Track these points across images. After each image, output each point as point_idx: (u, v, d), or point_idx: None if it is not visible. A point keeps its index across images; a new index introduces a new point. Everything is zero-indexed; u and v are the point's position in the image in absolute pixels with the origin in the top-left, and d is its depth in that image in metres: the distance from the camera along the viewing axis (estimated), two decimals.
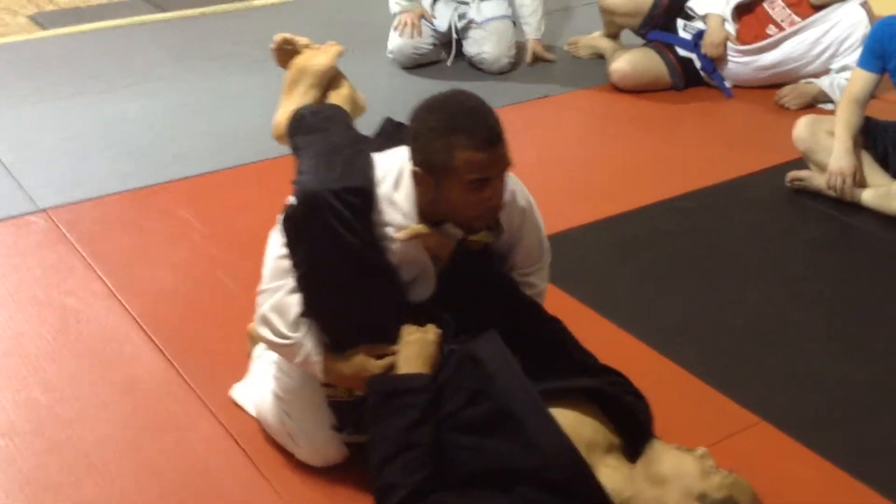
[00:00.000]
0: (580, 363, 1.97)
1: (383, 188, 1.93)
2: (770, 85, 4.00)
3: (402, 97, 4.00)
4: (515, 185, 2.07)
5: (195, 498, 2.00)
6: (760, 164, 3.44)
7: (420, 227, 1.92)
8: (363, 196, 1.89)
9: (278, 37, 2.36)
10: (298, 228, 1.88)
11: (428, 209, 1.93)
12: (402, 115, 3.67)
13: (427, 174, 1.87)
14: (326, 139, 2.04)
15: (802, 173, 3.20)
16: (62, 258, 2.85)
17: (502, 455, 1.73)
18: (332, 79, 2.34)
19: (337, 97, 2.30)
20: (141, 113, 3.78)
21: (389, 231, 1.92)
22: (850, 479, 2.04)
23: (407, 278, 1.97)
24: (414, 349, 1.88)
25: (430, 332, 1.91)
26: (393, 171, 1.96)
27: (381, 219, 1.92)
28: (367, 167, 1.95)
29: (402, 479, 1.74)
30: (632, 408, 1.87)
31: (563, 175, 3.42)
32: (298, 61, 2.30)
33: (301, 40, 2.35)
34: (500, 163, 1.86)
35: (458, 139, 1.82)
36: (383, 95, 3.99)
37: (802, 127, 3.18)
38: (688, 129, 3.81)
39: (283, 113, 2.23)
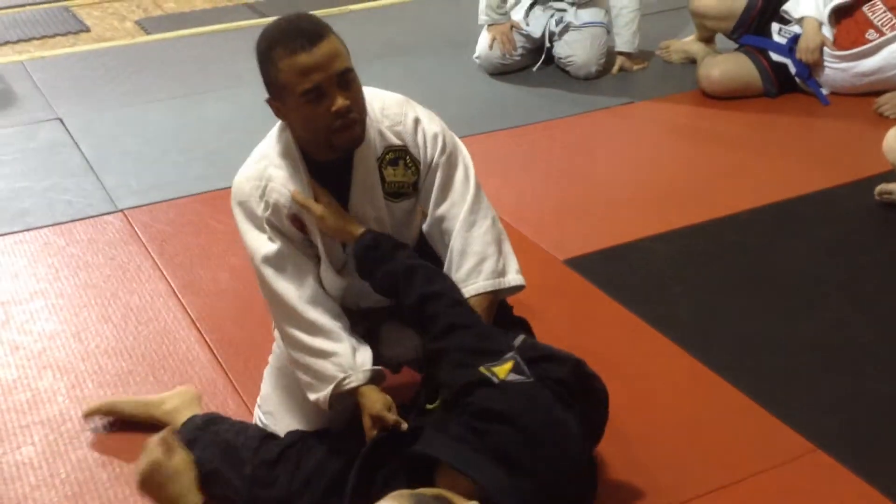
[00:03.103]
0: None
1: (266, 158, 1.96)
2: (869, 92, 3.79)
3: (483, 104, 3.99)
4: (414, 108, 2.02)
5: None
6: (851, 177, 3.26)
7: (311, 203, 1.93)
8: None
9: None
10: None
11: (303, 143, 1.92)
12: (482, 121, 3.74)
13: (276, 101, 1.88)
14: None
15: (892, 186, 3.01)
16: (132, 258, 2.93)
17: None
18: None
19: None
20: (221, 117, 3.87)
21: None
22: None
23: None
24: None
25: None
26: (270, 137, 1.98)
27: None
28: None
29: None
30: None
31: (637, 184, 3.32)
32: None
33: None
34: (328, 65, 1.80)
35: (276, 52, 1.82)
36: (464, 101, 3.99)
37: (893, 137, 3.00)
38: (777, 137, 3.64)
39: None
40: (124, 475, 2.08)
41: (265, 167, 1.95)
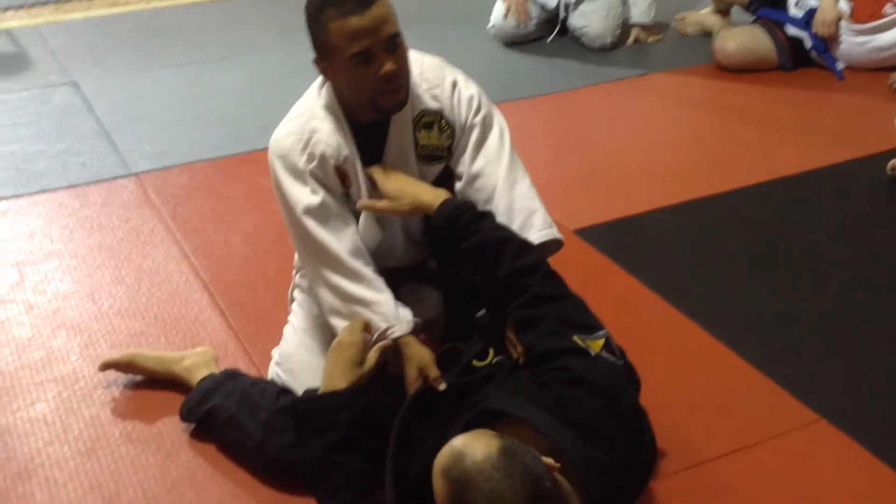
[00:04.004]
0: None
1: (308, 112, 1.98)
2: (886, 67, 3.77)
3: (497, 73, 3.98)
4: (453, 72, 2.04)
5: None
6: (864, 152, 3.25)
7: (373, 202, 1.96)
8: None
9: None
10: None
11: (346, 102, 1.94)
12: (495, 91, 3.72)
13: (323, 62, 1.89)
14: None
15: None
16: (146, 221, 2.95)
17: None
18: None
19: None
20: (235, 84, 3.88)
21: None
22: None
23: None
24: (332, 362, 1.86)
25: (349, 334, 1.88)
26: (310, 94, 2.01)
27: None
28: None
29: (333, 500, 1.74)
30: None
31: (650, 156, 3.32)
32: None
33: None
34: (377, 29, 1.81)
35: (327, 14, 1.82)
36: (479, 71, 3.96)
37: None
38: (791, 111, 3.63)
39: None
40: (136, 432, 2.11)
41: (308, 120, 1.97)
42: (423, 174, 2.03)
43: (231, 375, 2.12)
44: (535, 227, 1.98)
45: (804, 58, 3.90)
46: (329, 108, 1.96)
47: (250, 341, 2.39)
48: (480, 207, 2.00)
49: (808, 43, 3.86)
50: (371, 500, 1.74)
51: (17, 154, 3.37)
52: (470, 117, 2.01)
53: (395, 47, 1.85)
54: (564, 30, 4.28)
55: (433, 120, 1.99)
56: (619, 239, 2.79)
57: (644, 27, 4.26)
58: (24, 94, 3.83)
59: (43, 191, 3.13)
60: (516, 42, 4.26)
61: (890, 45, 3.75)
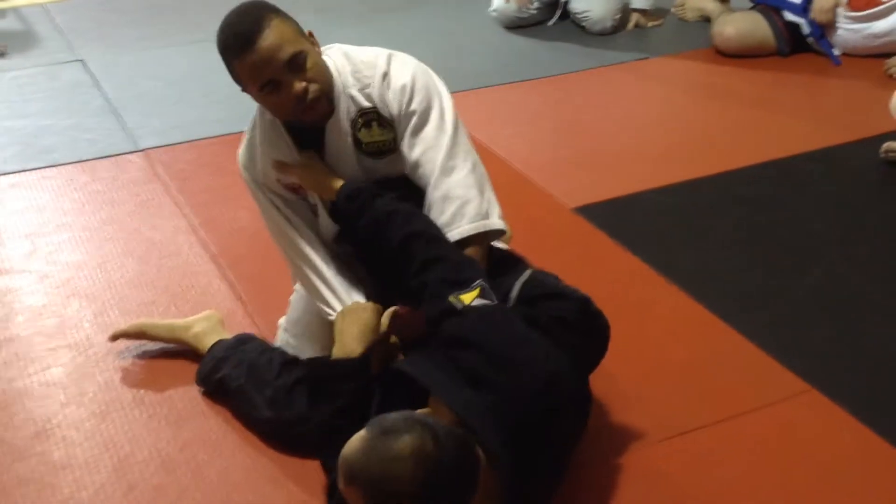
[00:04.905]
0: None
1: (255, 124, 2.07)
2: (882, 54, 3.83)
3: (499, 57, 4.04)
4: (387, 62, 2.00)
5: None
6: (858, 135, 3.30)
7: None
8: None
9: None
10: None
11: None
12: (497, 74, 3.79)
13: (244, 90, 1.95)
14: None
15: None
16: (154, 195, 3.02)
17: None
18: None
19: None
20: None
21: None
22: None
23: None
24: (349, 323, 1.93)
25: (368, 310, 1.96)
26: (257, 106, 2.07)
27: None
28: None
29: (333, 463, 1.76)
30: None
31: (649, 137, 3.38)
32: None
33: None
34: (273, 58, 1.83)
35: (225, 50, 1.90)
36: (480, 54, 4.04)
37: None
38: (787, 96, 3.69)
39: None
40: (148, 396, 2.18)
41: (254, 135, 2.07)
42: (372, 169, 2.03)
43: (242, 340, 2.19)
44: (466, 217, 1.95)
45: (801, 43, 3.96)
46: (269, 120, 2.02)
47: (258, 311, 2.46)
48: (426, 196, 1.99)
49: (806, 29, 3.92)
50: None
51: (26, 129, 3.43)
52: (403, 108, 1.97)
53: (300, 66, 1.87)
54: (566, 14, 4.34)
55: (371, 118, 1.99)
56: (617, 216, 2.86)
57: (644, 12, 4.31)
58: (33, 71, 3.89)
59: (53, 165, 3.19)
60: (518, 25, 4.31)
61: (886, 32, 3.80)
